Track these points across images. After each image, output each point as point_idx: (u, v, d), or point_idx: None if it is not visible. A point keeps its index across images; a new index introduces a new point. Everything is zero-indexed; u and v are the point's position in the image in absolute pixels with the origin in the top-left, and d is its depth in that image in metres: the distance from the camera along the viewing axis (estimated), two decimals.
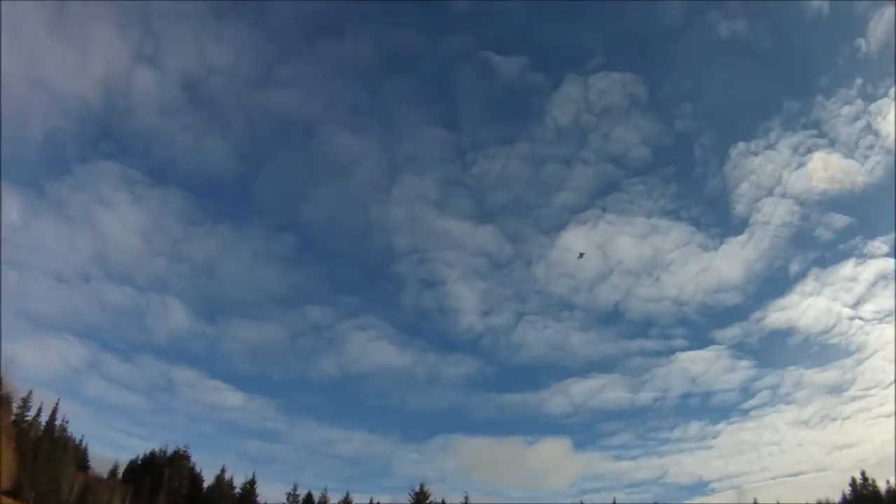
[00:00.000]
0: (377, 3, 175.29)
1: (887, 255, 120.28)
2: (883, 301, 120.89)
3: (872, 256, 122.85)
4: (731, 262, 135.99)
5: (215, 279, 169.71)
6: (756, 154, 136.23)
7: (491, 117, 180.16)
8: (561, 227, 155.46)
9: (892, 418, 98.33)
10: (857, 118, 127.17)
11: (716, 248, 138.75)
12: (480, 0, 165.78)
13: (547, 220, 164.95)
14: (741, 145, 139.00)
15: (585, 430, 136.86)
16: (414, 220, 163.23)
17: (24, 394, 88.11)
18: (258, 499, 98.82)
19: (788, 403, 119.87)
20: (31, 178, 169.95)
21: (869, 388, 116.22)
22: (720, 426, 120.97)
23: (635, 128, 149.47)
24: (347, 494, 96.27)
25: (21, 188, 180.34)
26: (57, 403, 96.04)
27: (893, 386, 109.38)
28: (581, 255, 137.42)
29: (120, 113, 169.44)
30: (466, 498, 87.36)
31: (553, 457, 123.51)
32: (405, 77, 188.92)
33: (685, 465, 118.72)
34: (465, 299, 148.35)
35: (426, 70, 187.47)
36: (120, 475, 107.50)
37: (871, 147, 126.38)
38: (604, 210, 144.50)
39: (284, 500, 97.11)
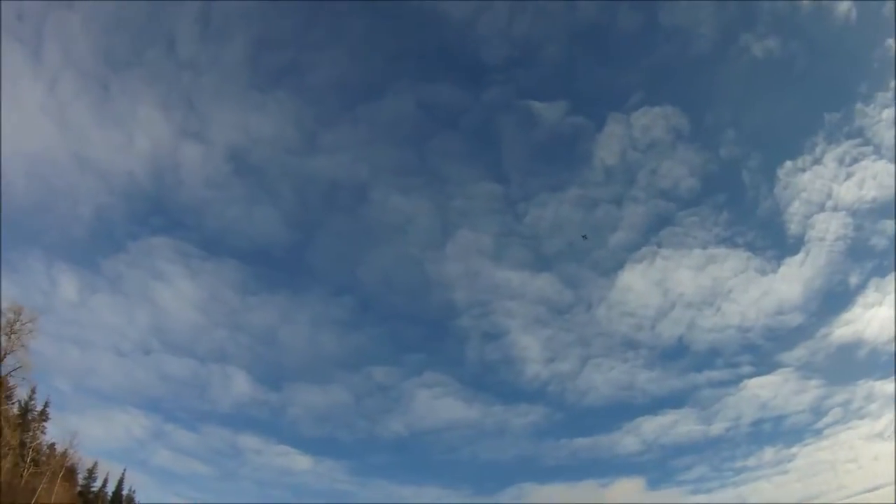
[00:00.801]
0: (414, 62, 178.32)
1: None
2: None
3: None
4: (790, 283, 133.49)
5: (276, 346, 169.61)
6: (804, 171, 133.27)
7: (538, 165, 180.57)
8: (618, 267, 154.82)
9: None
10: None
11: (774, 271, 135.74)
12: (515, 49, 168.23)
13: (603, 261, 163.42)
14: (788, 164, 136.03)
15: (659, 467, 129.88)
16: (471, 274, 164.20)
17: (89, 465, 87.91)
18: None
19: (861, 418, 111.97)
20: (85, 256, 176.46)
21: None
22: (794, 449, 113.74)
23: (681, 160, 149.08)
24: None
25: (76, 266, 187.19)
26: (123, 473, 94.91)
27: None
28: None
29: (168, 188, 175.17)
30: None
31: (627, 497, 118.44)
32: (449, 133, 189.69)
33: (763, 491, 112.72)
34: (529, 348, 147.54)
35: (469, 124, 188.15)
36: None
37: None
38: (659, 245, 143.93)
39: None
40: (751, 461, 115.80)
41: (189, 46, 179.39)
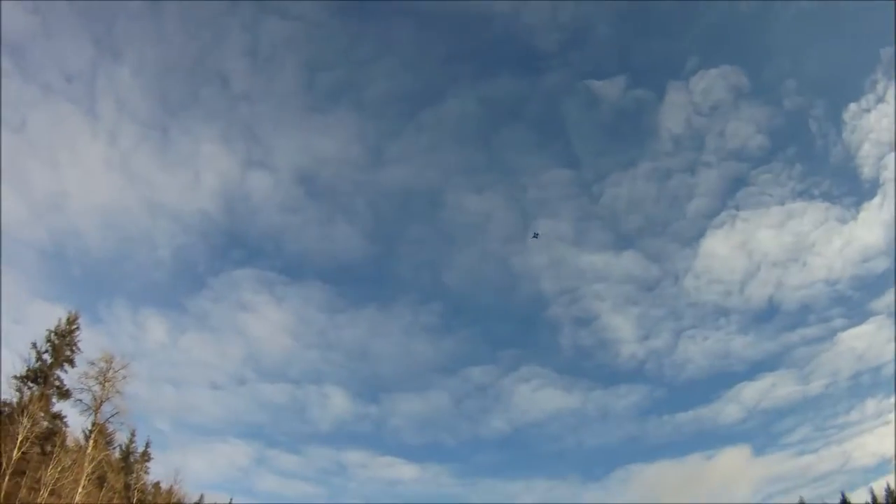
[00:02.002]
0: (467, 61, 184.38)
1: None
2: None
3: None
4: (871, 228, 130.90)
5: (370, 360, 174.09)
6: (868, 111, 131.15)
7: (606, 144, 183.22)
8: (699, 235, 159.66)
9: None
10: None
11: (854, 218, 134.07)
12: (565, 33, 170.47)
13: (684, 231, 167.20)
14: (852, 107, 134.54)
15: (763, 432, 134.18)
16: (555, 263, 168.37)
17: (195, 498, 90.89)
18: None
19: None
20: (170, 298, 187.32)
21: None
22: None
23: (747, 118, 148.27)
24: None
25: (162, 309, 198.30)
26: (230, 503, 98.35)
27: None
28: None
29: (242, 219, 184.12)
30: None
31: (734, 467, 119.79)
32: (514, 125, 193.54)
33: (867, 446, 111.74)
34: (622, 329, 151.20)
35: (532, 113, 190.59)
36: None
37: None
38: (737, 208, 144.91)
39: None
40: (853, 416, 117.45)
41: (242, 79, 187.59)
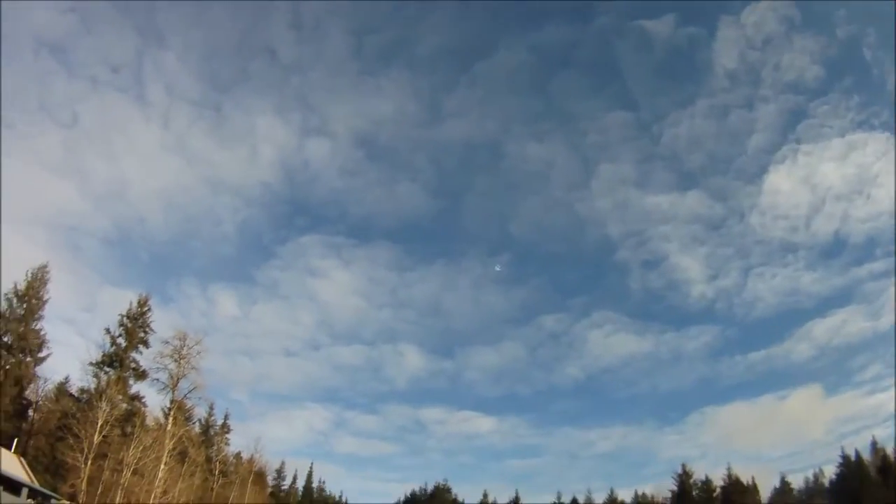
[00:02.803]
0: (516, 10, 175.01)
1: None
2: None
3: None
4: None
5: (442, 316, 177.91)
6: None
7: (662, 83, 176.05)
8: (762, 171, 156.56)
9: None
10: None
11: None
12: None
13: (747, 168, 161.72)
14: None
15: (834, 371, 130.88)
16: (620, 206, 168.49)
17: (277, 465, 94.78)
18: None
19: None
20: (238, 271, 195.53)
21: None
22: None
23: (801, 49, 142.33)
24: (612, 491, 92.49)
25: (231, 282, 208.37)
26: (311, 467, 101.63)
27: None
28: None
29: (304, 187, 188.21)
30: (729, 469, 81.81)
31: (807, 407, 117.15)
32: (568, 71, 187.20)
33: None
34: (690, 269, 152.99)
35: (585, 58, 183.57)
36: None
37: None
38: (798, 142, 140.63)
39: None
40: None
41: (290, 51, 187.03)
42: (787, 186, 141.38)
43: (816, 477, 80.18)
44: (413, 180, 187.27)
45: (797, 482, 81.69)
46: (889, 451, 71.97)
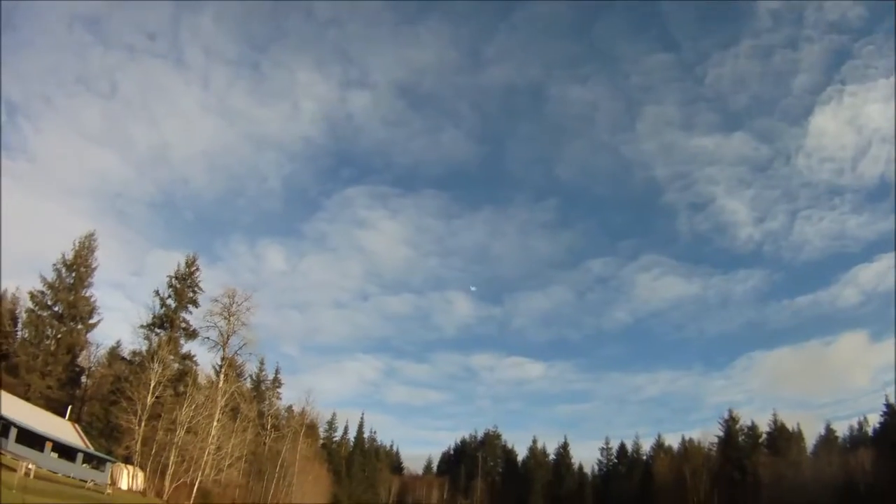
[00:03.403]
0: None
1: None
2: None
3: None
4: None
5: (490, 262, 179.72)
6: None
7: (705, 25, 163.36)
8: (807, 112, 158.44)
9: None
10: None
11: None
12: None
13: (792, 109, 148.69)
14: None
15: (880, 317, 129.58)
16: (666, 148, 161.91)
17: (328, 417, 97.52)
18: (572, 460, 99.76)
19: None
20: (285, 226, 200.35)
21: None
22: None
23: None
24: (659, 437, 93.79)
25: (279, 237, 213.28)
26: (361, 418, 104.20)
27: None
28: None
29: (348, 139, 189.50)
30: (775, 415, 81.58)
31: (853, 353, 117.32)
32: (610, 13, 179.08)
33: None
34: (738, 212, 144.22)
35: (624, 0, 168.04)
36: (435, 469, 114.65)
37: None
38: (843, 83, 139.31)
39: (598, 457, 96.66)
40: None
41: (325, 6, 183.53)
42: (833, 128, 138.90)
43: (861, 425, 78.92)
44: (456, 127, 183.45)
45: (842, 430, 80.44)
46: None
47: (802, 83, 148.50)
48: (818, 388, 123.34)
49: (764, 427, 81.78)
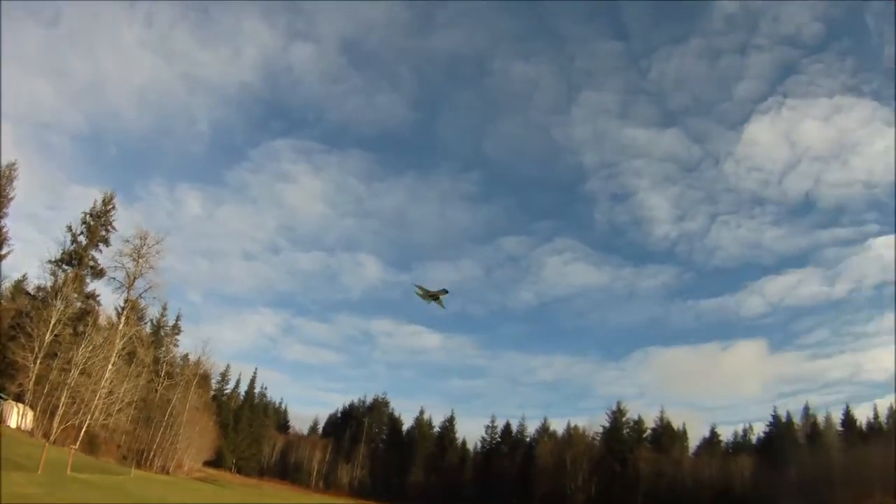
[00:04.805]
0: None
1: None
2: None
3: None
4: None
5: (405, 228, 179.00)
6: None
7: (658, 18, 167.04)
8: (745, 119, 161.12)
9: None
10: None
11: None
12: None
13: (730, 114, 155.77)
14: None
15: (781, 329, 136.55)
16: (598, 136, 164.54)
17: (222, 369, 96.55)
18: (457, 434, 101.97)
19: None
20: (208, 172, 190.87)
21: None
22: None
23: (804, 4, 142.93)
24: (545, 420, 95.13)
25: (199, 183, 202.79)
26: (255, 372, 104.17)
27: None
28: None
29: (284, 90, 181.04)
30: (662, 412, 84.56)
31: (748, 361, 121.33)
32: None
33: (880, 360, 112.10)
34: (658, 208, 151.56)
35: None
36: (320, 430, 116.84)
37: None
38: (784, 95, 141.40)
39: (483, 434, 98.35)
40: (870, 327, 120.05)
41: None
42: (767, 139, 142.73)
43: (746, 432, 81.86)
44: (394, 90, 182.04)
45: (726, 434, 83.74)
46: (820, 418, 74.03)
47: (745, 90, 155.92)
48: (709, 391, 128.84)
49: (650, 423, 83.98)
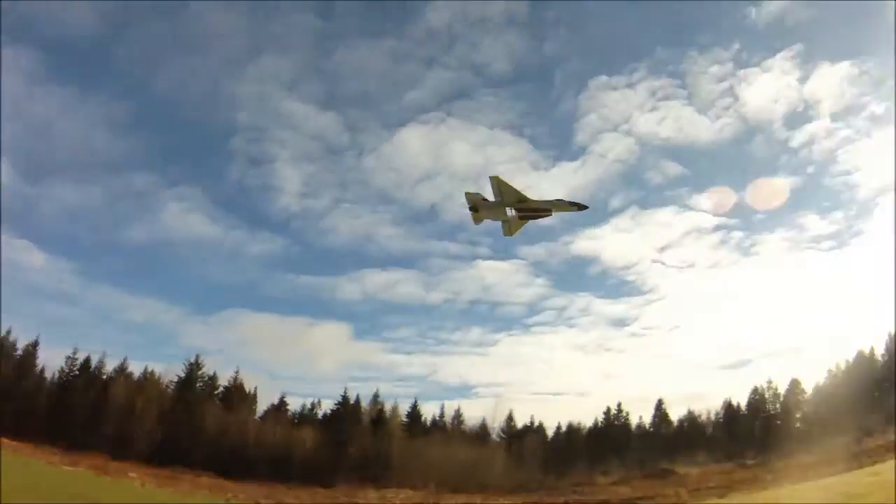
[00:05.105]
0: None
1: (706, 210, 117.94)
2: (687, 252, 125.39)
3: (692, 209, 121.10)
4: (555, 184, 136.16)
5: (49, 140, 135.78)
6: (615, 90, 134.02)
7: (366, 10, 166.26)
8: (402, 123, 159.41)
9: (662, 360, 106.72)
10: (722, 79, 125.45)
11: (546, 169, 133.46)
12: None
13: (391, 115, 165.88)
14: (602, 79, 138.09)
15: (370, 319, 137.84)
16: (261, 99, 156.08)
17: None
18: (39, 361, 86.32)
19: (571, 326, 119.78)
20: None
21: (650, 328, 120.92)
22: (500, 336, 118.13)
23: (504, 42, 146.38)
24: (124, 360, 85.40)
25: None
26: None
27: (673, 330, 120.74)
28: None
29: None
30: (237, 373, 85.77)
31: (331, 341, 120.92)
32: None
33: (456, 367, 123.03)
34: (289, 180, 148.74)
35: None
36: None
37: (727, 108, 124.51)
38: (448, 114, 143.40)
39: (63, 365, 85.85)
40: (456, 336, 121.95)
41: None
42: (416, 147, 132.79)
43: (314, 406, 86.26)
44: None
45: (295, 405, 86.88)
46: (388, 406, 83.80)
47: (415, 98, 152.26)
48: (286, 362, 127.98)
49: (224, 381, 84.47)
